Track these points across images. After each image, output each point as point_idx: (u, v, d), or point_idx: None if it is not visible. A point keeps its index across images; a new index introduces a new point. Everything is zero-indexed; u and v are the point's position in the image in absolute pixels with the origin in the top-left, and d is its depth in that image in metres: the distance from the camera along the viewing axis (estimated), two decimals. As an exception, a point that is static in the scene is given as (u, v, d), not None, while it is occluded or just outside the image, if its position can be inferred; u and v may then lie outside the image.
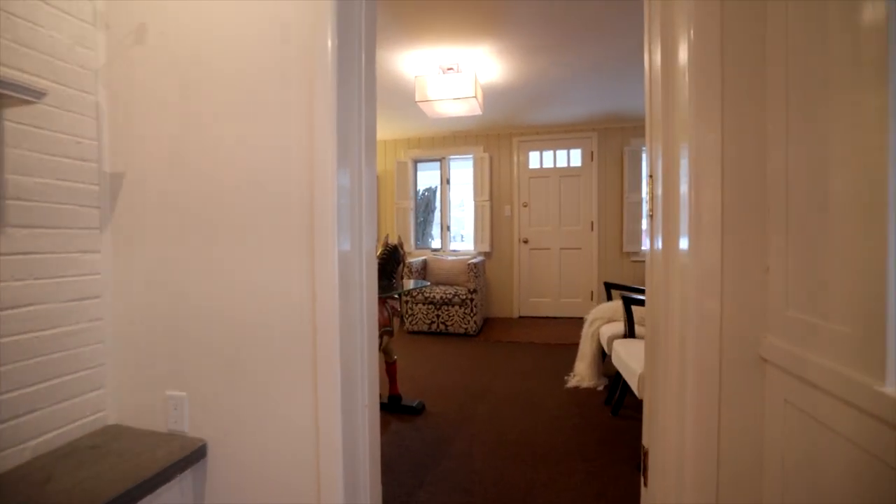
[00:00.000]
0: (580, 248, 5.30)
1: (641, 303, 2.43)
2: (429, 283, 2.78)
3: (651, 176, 1.33)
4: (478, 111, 3.54)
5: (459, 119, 4.90)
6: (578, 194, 5.29)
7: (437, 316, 4.57)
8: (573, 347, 3.90)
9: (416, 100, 3.35)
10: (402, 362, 3.53)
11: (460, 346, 4.15)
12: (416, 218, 5.96)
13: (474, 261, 4.65)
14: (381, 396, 2.59)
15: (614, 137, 5.16)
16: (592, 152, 5.20)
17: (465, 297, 4.48)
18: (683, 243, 1.10)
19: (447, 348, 4.06)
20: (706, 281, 1.04)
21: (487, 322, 5.17)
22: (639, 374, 1.91)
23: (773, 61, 0.97)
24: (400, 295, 2.44)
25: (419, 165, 5.96)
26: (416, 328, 4.65)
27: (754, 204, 1.01)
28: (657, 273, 1.26)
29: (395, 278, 2.59)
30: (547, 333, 4.56)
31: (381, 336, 2.30)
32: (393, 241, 2.68)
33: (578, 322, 5.17)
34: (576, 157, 5.32)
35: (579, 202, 5.29)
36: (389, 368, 2.54)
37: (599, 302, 5.27)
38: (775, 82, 0.96)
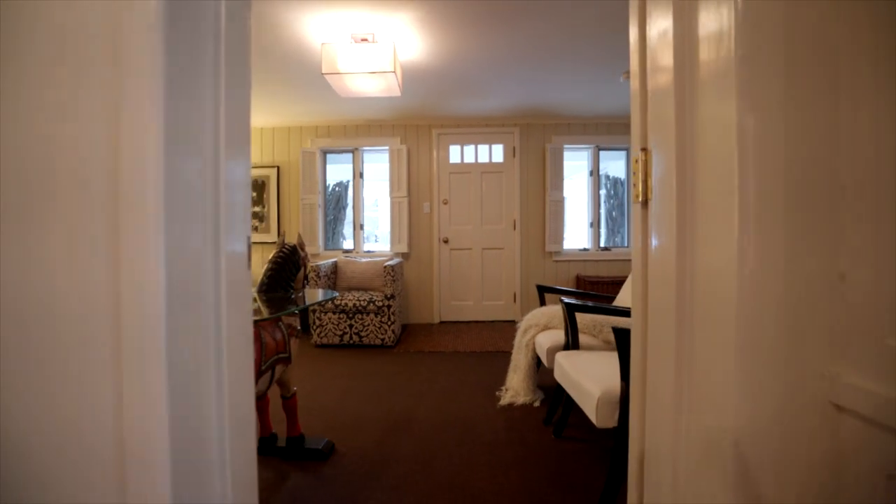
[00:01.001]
0: (502, 248, 5.08)
1: (586, 309, 2.16)
2: (338, 294, 2.27)
3: (644, 149, 1.00)
4: (396, 91, 3.09)
5: (374, 105, 4.40)
6: (500, 191, 5.06)
7: (350, 326, 4.02)
8: (500, 355, 3.60)
9: (323, 72, 2.81)
10: (308, 386, 2.95)
11: (377, 360, 3.65)
12: (326, 216, 5.32)
13: (391, 263, 4.18)
14: (278, 439, 2.02)
15: (536, 134, 5.01)
16: (514, 148, 5.01)
17: (381, 303, 3.99)
18: (713, 241, 0.77)
19: (361, 364, 3.54)
20: (752, 291, 0.71)
21: (406, 330, 4.73)
22: (597, 397, 1.61)
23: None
24: (304, 310, 1.90)
25: (329, 157, 5.33)
26: (325, 341, 4.05)
27: (821, 189, 0.69)
28: (660, 278, 0.92)
29: (293, 288, 2.03)
30: (471, 340, 4.24)
31: (273, 365, 1.75)
32: (291, 240, 2.13)
33: (502, 326, 4.94)
34: (497, 153, 5.09)
35: (501, 200, 5.06)
36: (287, 404, 1.97)
37: (523, 304, 5.08)
38: (855, 32, 0.65)
